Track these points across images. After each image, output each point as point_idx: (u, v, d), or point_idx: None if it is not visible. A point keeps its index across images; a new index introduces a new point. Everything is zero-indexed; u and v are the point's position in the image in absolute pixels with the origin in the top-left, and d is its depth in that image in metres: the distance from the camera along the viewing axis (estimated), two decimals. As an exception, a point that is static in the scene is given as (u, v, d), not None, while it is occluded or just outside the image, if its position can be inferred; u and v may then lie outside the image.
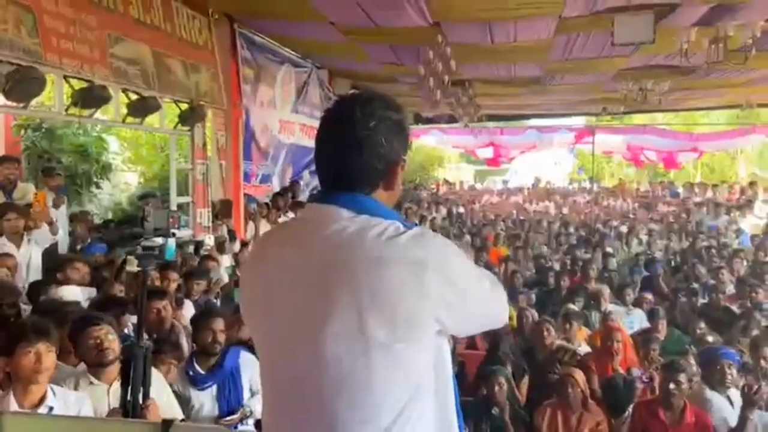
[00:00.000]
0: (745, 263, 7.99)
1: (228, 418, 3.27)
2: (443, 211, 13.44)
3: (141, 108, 5.56)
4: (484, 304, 1.29)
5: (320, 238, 1.21)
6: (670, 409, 3.71)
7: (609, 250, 9.06)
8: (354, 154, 1.23)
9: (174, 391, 3.15)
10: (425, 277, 1.15)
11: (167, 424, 1.05)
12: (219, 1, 6.49)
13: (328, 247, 1.20)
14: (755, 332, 5.05)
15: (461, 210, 14.52)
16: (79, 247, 5.49)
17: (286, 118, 8.91)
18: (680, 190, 15.43)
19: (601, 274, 7.36)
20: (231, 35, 7.11)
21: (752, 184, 13.78)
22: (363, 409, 1.16)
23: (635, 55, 7.68)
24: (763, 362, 4.31)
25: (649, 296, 6.37)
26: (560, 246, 10.01)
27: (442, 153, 23.78)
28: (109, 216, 8.55)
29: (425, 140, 18.23)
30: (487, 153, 18.38)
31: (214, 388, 3.33)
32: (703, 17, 6.02)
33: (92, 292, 4.06)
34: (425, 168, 24.61)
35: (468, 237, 10.22)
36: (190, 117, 6.25)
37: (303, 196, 9.19)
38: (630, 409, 4.04)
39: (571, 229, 11.35)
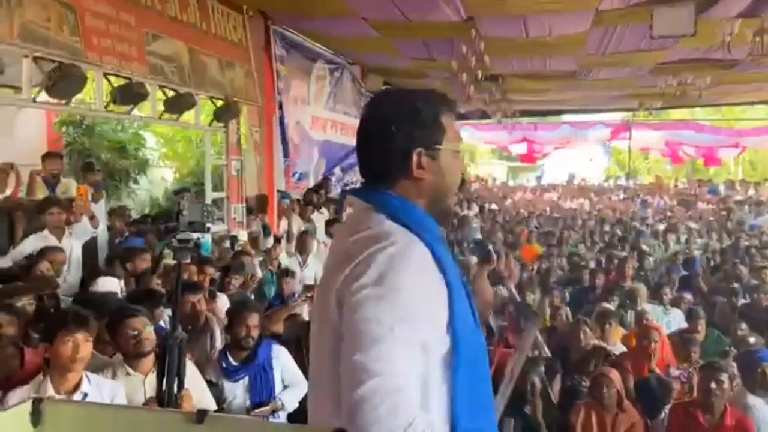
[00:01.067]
0: (788, 262, 7.73)
1: (259, 410, 3.31)
2: (475, 207, 13.33)
3: (177, 104, 5.66)
4: (356, 363, 1.12)
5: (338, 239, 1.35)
6: (709, 411, 3.61)
7: (645, 248, 8.86)
8: (369, 147, 1.30)
9: (208, 381, 3.21)
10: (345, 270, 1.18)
11: (202, 414, 1.06)
12: (254, -1, 6.55)
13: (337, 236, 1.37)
14: (797, 335, 4.89)
15: (494, 206, 14.38)
16: (117, 240, 5.62)
17: (318, 114, 8.96)
18: (720, 187, 15.00)
19: (638, 272, 7.20)
20: (265, 32, 7.18)
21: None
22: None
23: (674, 49, 7.48)
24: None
25: (688, 296, 6.21)
26: (595, 243, 9.83)
27: (474, 149, 23.62)
28: (146, 211, 8.72)
29: (459, 136, 18.08)
30: (521, 149, 18.19)
31: (246, 379, 3.37)
32: (748, 8, 5.82)
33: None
34: (456, 165, 24.43)
35: (501, 234, 10.12)
36: (225, 113, 6.33)
37: (334, 193, 9.24)
38: (666, 410, 3.95)
39: (607, 227, 11.14)
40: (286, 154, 7.85)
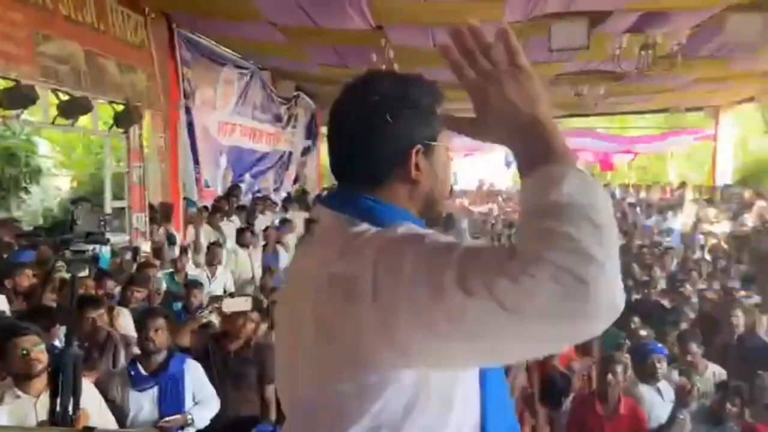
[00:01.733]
0: (675, 260, 8.38)
1: (168, 419, 3.19)
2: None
3: (71, 109, 5.34)
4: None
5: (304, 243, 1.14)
6: (605, 401, 3.84)
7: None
8: (354, 140, 1.02)
9: (111, 401, 3.05)
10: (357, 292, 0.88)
11: (88, 431, 1.01)
12: (156, 0, 6.31)
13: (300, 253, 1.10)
14: (684, 326, 5.29)
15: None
16: (5, 255, 5.22)
17: (226, 119, 8.75)
18: (616, 191, 16.02)
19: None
20: (169, 35, 6.94)
21: (682, 184, 14.44)
22: None
23: (571, 61, 7.93)
24: (689, 356, 4.52)
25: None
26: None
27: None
28: (40, 222, 8.17)
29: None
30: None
31: (156, 390, 3.26)
32: (634, 24, 6.27)
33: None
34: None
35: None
36: (125, 118, 6.05)
37: (245, 200, 9.05)
38: (568, 402, 4.16)
39: (514, 230, 11.59)
40: (196, 161, 7.60)
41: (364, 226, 0.97)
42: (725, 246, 9.25)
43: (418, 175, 1.02)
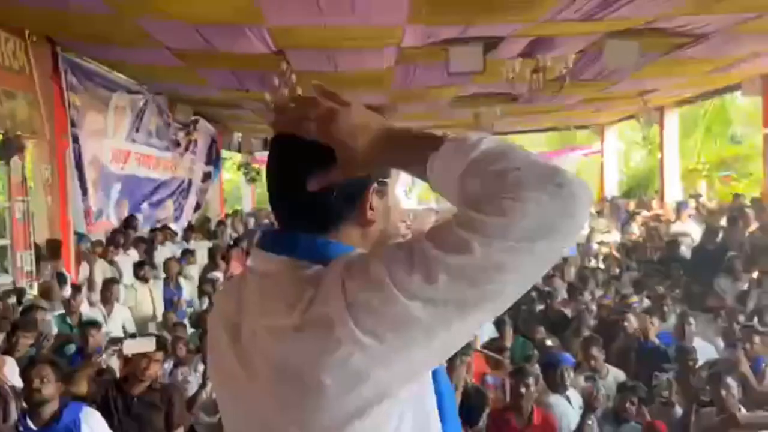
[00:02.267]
0: (573, 269, 8.83)
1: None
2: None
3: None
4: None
5: (246, 291, 0.97)
6: (519, 413, 3.94)
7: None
8: (298, 178, 0.91)
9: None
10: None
11: None
12: (37, 23, 5.91)
13: (245, 305, 0.96)
14: (585, 333, 5.56)
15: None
16: None
17: (119, 147, 8.29)
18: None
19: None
20: (53, 59, 6.50)
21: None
22: None
23: (469, 84, 8.24)
24: (592, 361, 4.76)
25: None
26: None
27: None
28: None
29: (275, 167, 17.99)
30: (338, 178, 18.57)
31: (49, 444, 2.97)
32: (525, 50, 6.63)
33: None
34: (276, 195, 24.30)
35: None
36: (5, 149, 5.58)
37: (142, 231, 8.60)
38: (484, 417, 4.23)
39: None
40: (84, 192, 7.12)
41: (317, 267, 0.89)
42: (616, 254, 9.87)
43: (372, 215, 0.95)
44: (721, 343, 5.34)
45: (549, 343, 5.45)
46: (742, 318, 5.53)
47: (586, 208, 0.79)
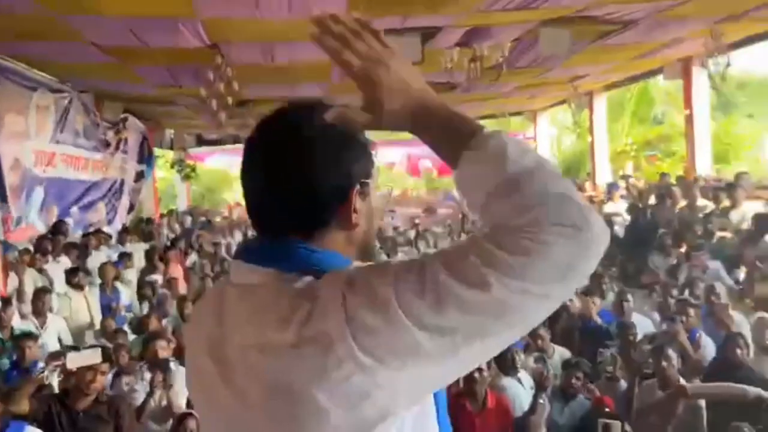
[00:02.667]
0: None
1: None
2: (238, 235, 13.03)
3: None
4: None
5: (227, 303, 0.91)
6: (474, 398, 4.01)
7: (400, 254, 9.61)
8: (284, 181, 0.87)
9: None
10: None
11: None
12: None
13: (227, 320, 0.90)
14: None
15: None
16: None
17: (43, 148, 7.84)
18: (455, 194, 17.00)
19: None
20: (-34, 58, 6.08)
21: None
22: None
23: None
24: (540, 341, 4.90)
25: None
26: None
27: (231, 174, 23.17)
28: None
29: (211, 163, 17.59)
30: (277, 172, 18.34)
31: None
32: (462, 39, 6.70)
33: None
34: (214, 191, 23.77)
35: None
36: None
37: (74, 236, 8.21)
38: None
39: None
40: (3, 198, 6.70)
41: (308, 279, 0.85)
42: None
43: (357, 218, 0.91)
44: (658, 317, 5.61)
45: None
46: (674, 292, 5.82)
47: (603, 249, 0.79)
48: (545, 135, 16.09)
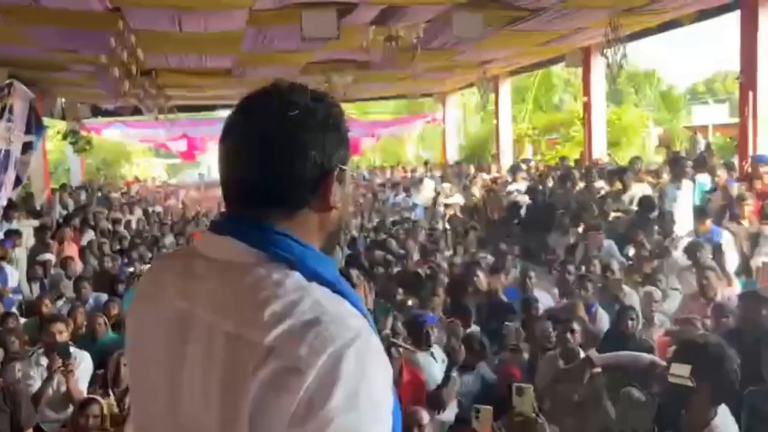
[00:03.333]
0: (423, 232, 9.28)
1: None
2: (138, 212, 12.43)
3: None
4: None
5: (190, 279, 0.91)
6: (389, 373, 4.10)
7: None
8: (264, 159, 0.89)
9: None
10: (295, 391, 0.78)
11: None
12: None
13: (192, 295, 0.89)
14: (441, 290, 5.88)
15: (158, 209, 13.63)
16: None
17: None
18: (365, 173, 17.08)
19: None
20: None
21: (425, 163, 15.94)
22: None
23: (322, 50, 8.15)
24: (450, 318, 5.07)
25: (355, 272, 6.91)
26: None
27: (129, 148, 21.96)
28: None
29: (108, 134, 16.56)
30: (181, 146, 17.59)
31: None
32: (378, 17, 6.68)
33: None
34: (110, 165, 22.44)
35: (172, 237, 9.67)
36: None
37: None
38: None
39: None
40: None
41: (293, 282, 0.86)
42: (461, 216, 10.53)
43: (334, 201, 0.94)
44: (557, 292, 5.96)
45: (410, 302, 5.68)
46: (571, 268, 6.20)
47: None
48: (453, 117, 16.48)
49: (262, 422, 0.79)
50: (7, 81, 9.38)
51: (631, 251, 6.41)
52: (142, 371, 0.97)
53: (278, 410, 0.79)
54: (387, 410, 0.84)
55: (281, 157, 0.89)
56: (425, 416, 3.71)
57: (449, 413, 4.00)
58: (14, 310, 5.88)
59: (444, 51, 8.63)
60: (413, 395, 4.12)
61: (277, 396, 0.79)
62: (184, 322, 0.89)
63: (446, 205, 11.34)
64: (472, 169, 13.80)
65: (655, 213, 6.72)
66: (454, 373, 4.15)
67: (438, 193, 12.07)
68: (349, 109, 18.44)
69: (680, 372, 2.53)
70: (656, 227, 6.45)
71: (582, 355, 4.15)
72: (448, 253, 7.97)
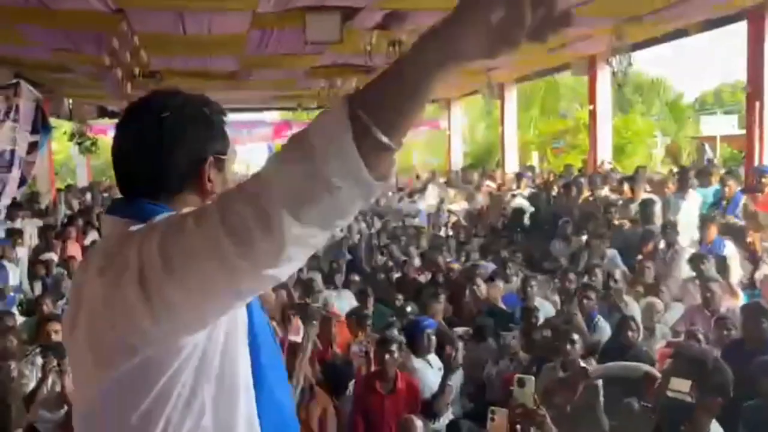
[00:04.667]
0: (425, 239, 9.24)
1: None
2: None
3: None
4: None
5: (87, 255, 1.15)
6: (385, 379, 4.06)
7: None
8: (141, 151, 1.09)
9: None
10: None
11: None
12: None
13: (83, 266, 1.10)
14: (442, 297, 5.84)
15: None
16: None
17: None
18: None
19: (310, 262, 7.67)
20: None
21: (432, 172, 15.86)
22: None
23: (325, 54, 8.14)
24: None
25: (356, 277, 6.90)
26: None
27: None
28: None
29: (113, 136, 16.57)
30: (187, 148, 17.63)
31: None
32: (381, 22, 6.67)
33: None
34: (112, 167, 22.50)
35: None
36: None
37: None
38: (351, 385, 4.30)
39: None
40: None
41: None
42: (464, 223, 10.48)
43: (212, 186, 1.11)
44: (558, 301, 5.90)
45: (408, 309, 5.64)
46: (573, 277, 6.14)
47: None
48: (458, 123, 16.44)
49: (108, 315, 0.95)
50: (14, 81, 9.42)
51: (634, 261, 6.35)
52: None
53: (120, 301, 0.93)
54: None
55: (155, 151, 1.07)
56: (419, 425, 3.68)
57: (444, 421, 3.96)
58: (15, 309, 5.87)
59: (449, 57, 8.59)
60: (408, 403, 4.08)
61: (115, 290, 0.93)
62: (78, 289, 1.05)
63: (450, 212, 11.30)
64: (476, 176, 13.76)
65: (659, 223, 6.66)
66: (450, 382, 4.11)
67: (442, 200, 12.02)
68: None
69: (680, 387, 2.49)
70: (660, 237, 6.39)
71: (581, 365, 4.11)
72: (450, 259, 7.92)
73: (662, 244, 6.31)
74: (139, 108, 1.13)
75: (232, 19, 6.30)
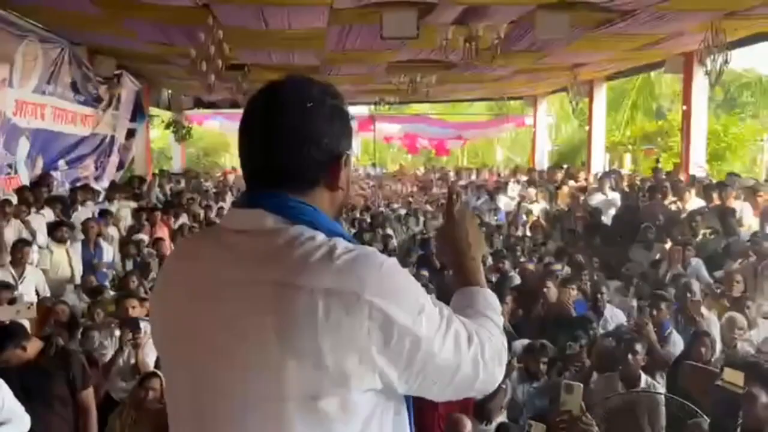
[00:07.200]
0: (501, 237, 9.07)
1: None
2: (229, 199, 13.00)
3: None
4: (449, 361, 0.99)
5: (221, 249, 1.02)
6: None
7: (389, 231, 9.60)
8: (284, 142, 1.03)
9: None
10: (356, 314, 0.93)
11: None
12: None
13: (227, 261, 1.00)
14: (508, 298, 5.71)
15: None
16: None
17: (26, 98, 7.65)
18: (451, 173, 16.95)
19: (382, 253, 7.72)
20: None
21: (515, 169, 15.58)
22: None
23: (403, 50, 8.15)
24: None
25: (425, 272, 6.89)
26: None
27: (228, 139, 23.05)
28: None
29: (209, 126, 17.46)
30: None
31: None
32: (459, 17, 6.59)
33: None
34: (210, 155, 23.66)
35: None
36: None
37: (61, 189, 8.16)
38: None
39: (357, 213, 11.80)
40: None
41: (321, 237, 0.99)
42: (543, 223, 10.19)
43: (342, 182, 1.08)
44: (635, 310, 5.62)
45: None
46: (652, 285, 5.82)
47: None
48: (543, 121, 15.97)
49: (335, 341, 0.93)
50: (117, 72, 10.13)
51: (721, 273, 5.94)
52: (163, 341, 1.11)
53: (351, 329, 0.93)
54: (430, 303, 1.01)
55: (299, 143, 1.02)
56: (468, 425, 3.63)
57: (494, 424, 3.89)
58: (107, 283, 6.29)
59: (530, 53, 8.38)
60: (461, 403, 4.03)
61: (346, 316, 0.93)
62: (215, 284, 1.00)
63: (528, 212, 11.03)
64: (560, 176, 13.32)
65: (749, 234, 6.19)
66: (505, 385, 4.02)
67: (522, 199, 11.74)
68: (435, 110, 18.36)
69: (733, 379, 2.34)
70: (750, 249, 5.93)
71: (644, 378, 3.91)
72: (524, 259, 7.73)
73: (753, 257, 5.85)
74: (279, 92, 1.06)
75: (309, 14, 6.43)
